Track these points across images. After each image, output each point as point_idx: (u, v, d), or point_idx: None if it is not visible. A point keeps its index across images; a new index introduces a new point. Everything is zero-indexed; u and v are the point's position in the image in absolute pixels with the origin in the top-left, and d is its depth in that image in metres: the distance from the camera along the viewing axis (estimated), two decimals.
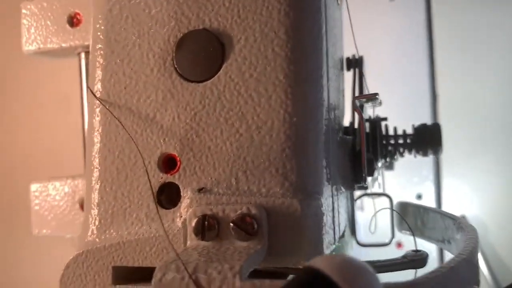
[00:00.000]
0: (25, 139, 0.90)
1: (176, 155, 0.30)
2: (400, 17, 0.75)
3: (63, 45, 0.42)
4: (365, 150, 0.34)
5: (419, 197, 0.76)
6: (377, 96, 0.35)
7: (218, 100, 0.30)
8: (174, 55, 0.31)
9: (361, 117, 0.34)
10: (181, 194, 0.30)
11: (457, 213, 0.78)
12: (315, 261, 0.21)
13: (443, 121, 0.77)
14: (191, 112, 0.30)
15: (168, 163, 0.30)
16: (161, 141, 0.30)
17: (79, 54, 0.44)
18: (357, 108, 0.34)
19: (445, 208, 0.77)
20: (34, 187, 0.44)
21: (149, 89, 0.31)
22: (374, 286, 0.21)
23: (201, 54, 0.30)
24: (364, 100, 0.37)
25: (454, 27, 0.75)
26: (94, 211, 0.31)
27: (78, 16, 0.42)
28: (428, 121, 0.77)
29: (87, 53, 0.43)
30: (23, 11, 0.44)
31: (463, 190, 0.76)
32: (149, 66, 0.31)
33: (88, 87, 0.33)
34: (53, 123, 0.88)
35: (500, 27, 0.72)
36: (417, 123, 0.75)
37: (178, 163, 0.30)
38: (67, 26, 0.42)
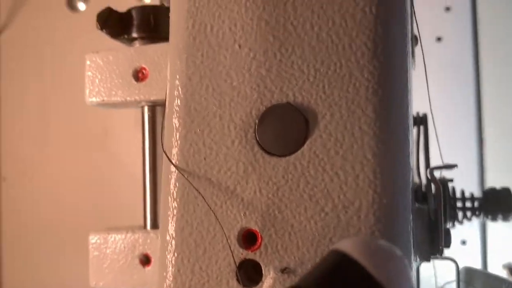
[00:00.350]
0: (71, 183, 0.90)
1: (257, 230, 0.29)
2: (447, 57, 0.75)
3: (128, 99, 0.43)
4: (442, 223, 0.33)
5: (463, 242, 0.75)
6: (455, 167, 0.34)
7: (301, 175, 0.29)
8: (256, 127, 0.30)
9: (439, 190, 0.34)
10: (263, 272, 0.29)
11: (503, 260, 0.76)
12: (342, 244, 0.20)
13: (489, 167, 0.75)
14: (274, 186, 0.30)
15: (249, 239, 0.30)
16: (242, 215, 0.30)
17: (142, 107, 0.44)
18: (436, 180, 0.33)
19: (490, 255, 0.75)
20: (93, 238, 0.44)
21: (229, 161, 0.31)
22: (403, 271, 0.19)
23: (284, 128, 0.30)
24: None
25: (503, 68, 0.73)
26: (170, 283, 0.31)
27: (144, 71, 0.42)
28: (474, 167, 0.76)
29: (150, 107, 0.44)
30: (88, 62, 0.44)
31: (509, 238, 0.74)
32: (230, 138, 0.31)
33: (165, 152, 0.33)
34: (97, 161, 0.88)
35: None
36: (462, 168, 0.74)
37: (259, 239, 0.29)
38: (133, 80, 0.42)
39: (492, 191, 0.41)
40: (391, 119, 0.29)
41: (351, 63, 0.29)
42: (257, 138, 0.30)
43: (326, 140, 0.29)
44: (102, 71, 0.44)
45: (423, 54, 0.37)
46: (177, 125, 0.32)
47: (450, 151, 0.72)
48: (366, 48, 0.29)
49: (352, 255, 0.19)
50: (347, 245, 0.20)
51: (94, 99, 0.44)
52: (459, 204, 0.41)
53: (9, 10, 0.98)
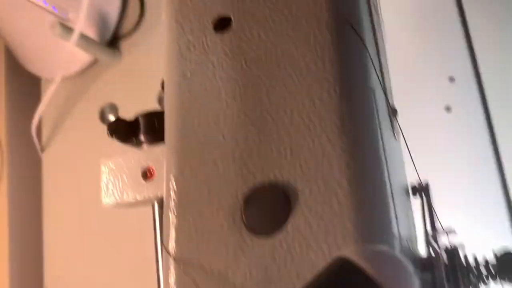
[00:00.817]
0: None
1: None
2: (459, 126, 0.75)
3: (138, 197, 0.45)
4: None
5: None
6: (455, 231, 0.34)
7: (288, 253, 0.30)
8: (242, 210, 0.32)
9: (438, 258, 0.33)
10: None
11: None
12: (345, 251, 0.21)
13: None
14: (262, 266, 0.30)
15: None
16: None
17: (153, 204, 0.47)
18: (434, 248, 0.33)
19: None
20: None
21: (220, 245, 0.32)
22: (404, 275, 0.20)
23: (268, 207, 0.31)
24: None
25: None
26: None
27: (151, 170, 0.45)
28: (508, 233, 0.73)
29: (160, 203, 0.46)
30: (102, 168, 0.48)
31: None
32: (219, 223, 0.32)
33: (162, 245, 0.34)
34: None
35: None
36: (494, 235, 0.70)
37: None
38: (142, 180, 0.46)
39: (506, 255, 0.39)
40: (367, 189, 0.30)
41: (323, 140, 0.31)
42: (244, 220, 0.32)
43: (308, 215, 0.30)
44: (115, 175, 0.48)
45: (399, 126, 0.38)
46: (172, 217, 0.34)
47: (478, 221, 0.69)
48: (335, 126, 0.31)
49: (355, 260, 0.20)
50: (349, 252, 0.21)
51: (109, 202, 0.47)
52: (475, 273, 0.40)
53: (50, 129, 1.08)
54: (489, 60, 0.75)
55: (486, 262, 0.40)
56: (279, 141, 0.32)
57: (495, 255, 0.40)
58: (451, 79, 0.76)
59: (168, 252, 0.33)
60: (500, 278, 0.39)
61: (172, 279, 0.33)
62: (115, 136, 0.47)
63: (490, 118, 0.73)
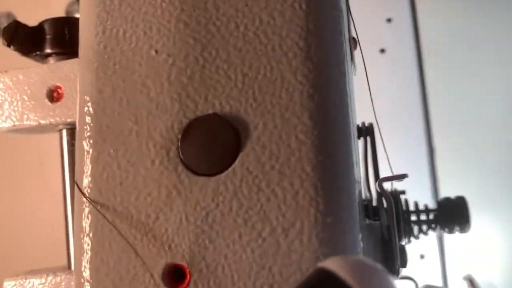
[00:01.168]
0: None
1: (185, 265, 0.25)
2: (392, 68, 0.74)
3: (42, 122, 0.37)
4: (397, 240, 0.30)
5: (422, 257, 0.72)
6: (406, 177, 0.31)
7: (234, 196, 0.25)
8: (179, 144, 0.26)
9: (390, 203, 0.30)
10: None
11: (462, 272, 0.74)
12: (327, 262, 0.20)
13: (441, 176, 0.74)
14: (202, 212, 0.25)
15: (175, 276, 0.25)
16: (166, 248, 0.25)
17: (60, 131, 0.39)
18: (386, 193, 0.30)
19: (450, 268, 0.73)
20: (8, 285, 0.38)
21: (150, 185, 0.26)
22: (387, 286, 0.20)
23: (211, 142, 0.26)
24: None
25: (447, 76, 0.73)
26: None
27: (59, 90, 0.37)
28: (426, 176, 0.75)
29: (69, 130, 0.38)
30: None
31: (466, 249, 0.73)
32: (150, 158, 0.26)
33: (75, 182, 0.28)
34: (28, 194, 0.81)
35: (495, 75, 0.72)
36: (414, 179, 0.72)
37: (188, 276, 0.25)
38: (47, 101, 0.37)
39: (447, 201, 0.38)
40: (330, 126, 0.25)
41: (282, 66, 0.26)
42: (181, 156, 0.26)
43: (260, 153, 0.25)
44: (12, 93, 0.39)
45: (363, 60, 0.34)
46: (87, 147, 0.27)
47: (401, 163, 0.70)
48: (298, 48, 0.26)
49: (336, 272, 0.19)
50: (332, 263, 0.20)
51: (4, 125, 0.39)
52: (413, 218, 0.38)
53: None
54: (427, 2, 0.73)
55: (427, 208, 0.38)
56: (228, 62, 0.26)
57: (436, 201, 0.38)
58: (389, 20, 0.74)
59: (81, 190, 0.27)
60: (439, 226, 0.37)
61: (86, 223, 0.27)
62: (13, 45, 0.37)
63: (422, 60, 0.72)
